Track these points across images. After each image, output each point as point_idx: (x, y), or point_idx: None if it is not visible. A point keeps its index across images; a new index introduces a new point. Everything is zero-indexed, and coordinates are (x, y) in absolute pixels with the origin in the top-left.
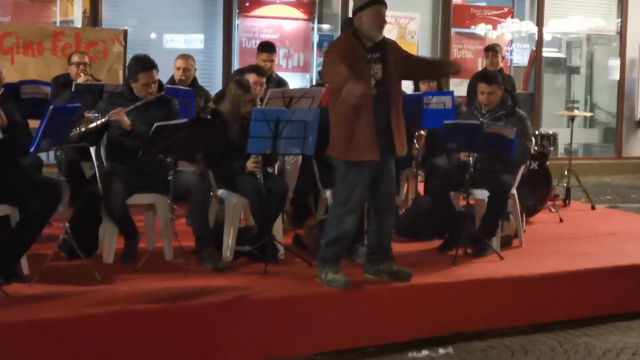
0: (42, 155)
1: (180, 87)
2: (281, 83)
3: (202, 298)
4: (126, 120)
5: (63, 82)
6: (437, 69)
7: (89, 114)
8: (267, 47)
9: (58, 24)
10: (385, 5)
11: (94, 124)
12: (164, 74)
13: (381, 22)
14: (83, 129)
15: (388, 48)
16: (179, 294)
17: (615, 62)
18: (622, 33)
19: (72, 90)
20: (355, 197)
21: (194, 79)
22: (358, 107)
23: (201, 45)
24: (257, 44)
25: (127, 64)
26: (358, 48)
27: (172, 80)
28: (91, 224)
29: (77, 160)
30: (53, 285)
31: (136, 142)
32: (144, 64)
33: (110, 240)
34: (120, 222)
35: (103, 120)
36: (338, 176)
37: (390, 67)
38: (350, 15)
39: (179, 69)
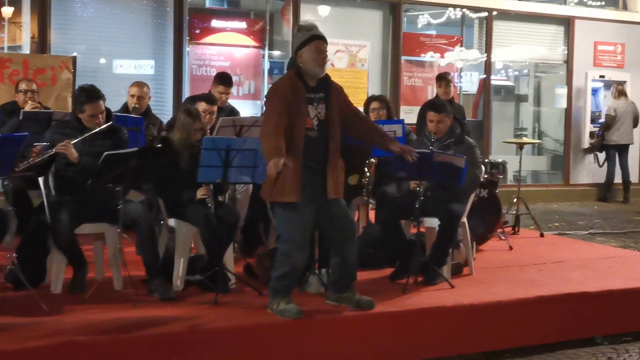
0: None
1: (130, 115)
2: (233, 112)
3: (151, 329)
4: (73, 153)
5: (10, 109)
6: (382, 140)
7: (38, 146)
8: (225, 80)
9: (6, 50)
10: (325, 40)
11: (40, 158)
12: (114, 101)
13: (322, 58)
14: (30, 161)
15: (333, 90)
16: (127, 324)
17: (563, 91)
18: (568, 62)
19: (20, 118)
20: (299, 235)
21: (148, 108)
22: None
23: (152, 71)
24: (214, 74)
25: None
26: (300, 88)
27: (125, 107)
28: (39, 254)
29: (24, 189)
30: None
31: (83, 173)
32: (90, 95)
33: (58, 271)
34: (69, 252)
35: (50, 153)
36: (277, 215)
37: (333, 108)
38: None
39: (133, 96)
